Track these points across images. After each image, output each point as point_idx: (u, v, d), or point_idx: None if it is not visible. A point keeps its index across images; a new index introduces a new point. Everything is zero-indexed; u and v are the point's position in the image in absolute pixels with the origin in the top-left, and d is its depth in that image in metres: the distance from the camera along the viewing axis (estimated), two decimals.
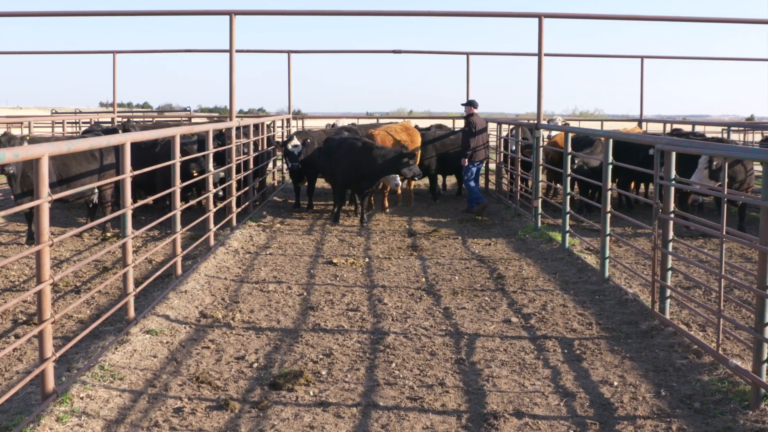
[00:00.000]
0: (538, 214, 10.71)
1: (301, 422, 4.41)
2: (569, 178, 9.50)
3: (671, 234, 6.08)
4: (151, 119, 24.26)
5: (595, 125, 23.58)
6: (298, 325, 6.32)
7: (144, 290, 6.95)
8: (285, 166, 14.63)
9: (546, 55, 10.79)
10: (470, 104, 13.16)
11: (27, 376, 4.24)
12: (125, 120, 17.73)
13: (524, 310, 6.79)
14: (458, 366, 5.34)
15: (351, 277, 8.10)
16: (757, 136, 22.62)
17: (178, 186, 7.54)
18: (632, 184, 13.57)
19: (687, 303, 6.40)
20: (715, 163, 9.70)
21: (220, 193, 10.98)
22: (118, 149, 6.59)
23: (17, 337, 5.94)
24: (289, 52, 18.08)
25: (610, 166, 7.60)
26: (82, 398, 4.51)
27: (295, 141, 12.47)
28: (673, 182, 6.02)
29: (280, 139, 14.99)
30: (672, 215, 6.04)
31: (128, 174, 5.94)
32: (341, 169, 11.56)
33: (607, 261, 7.65)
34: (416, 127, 14.14)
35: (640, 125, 18.95)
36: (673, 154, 6.02)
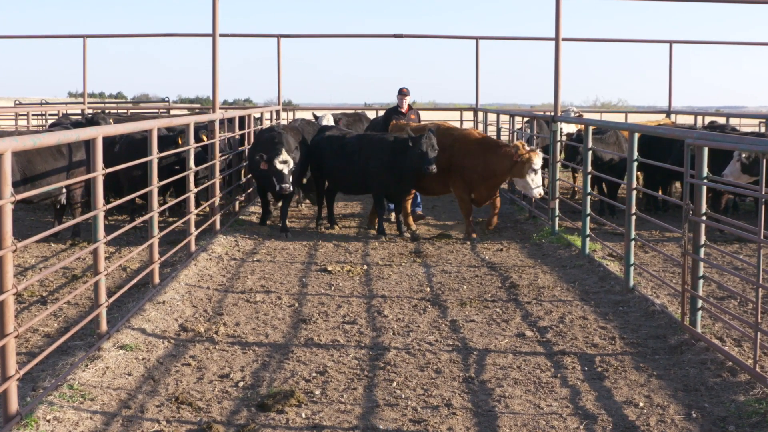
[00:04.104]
0: (555, 216, 10.72)
1: None
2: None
3: (703, 238, 6.08)
4: (125, 111, 24.29)
5: (618, 117, 23.61)
6: (289, 340, 6.32)
7: (117, 301, 6.95)
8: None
9: (564, 39, 10.80)
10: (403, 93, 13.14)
11: None
12: (97, 111, 17.75)
13: (540, 323, 6.80)
14: (466, 385, 5.35)
15: (347, 286, 8.11)
16: None
17: (155, 185, 7.54)
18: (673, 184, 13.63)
19: (720, 315, 6.40)
20: (744, 155, 9.70)
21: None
22: (88, 144, 6.59)
23: None
24: (279, 36, 18.11)
25: (635, 163, 7.60)
26: (48, 421, 4.52)
27: (285, 156, 10.52)
28: (705, 181, 6.02)
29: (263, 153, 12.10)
30: (704, 217, 6.04)
31: (100, 172, 5.95)
32: (376, 171, 10.73)
33: (632, 268, 7.66)
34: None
35: (668, 117, 18.98)
36: (705, 150, 6.03)
